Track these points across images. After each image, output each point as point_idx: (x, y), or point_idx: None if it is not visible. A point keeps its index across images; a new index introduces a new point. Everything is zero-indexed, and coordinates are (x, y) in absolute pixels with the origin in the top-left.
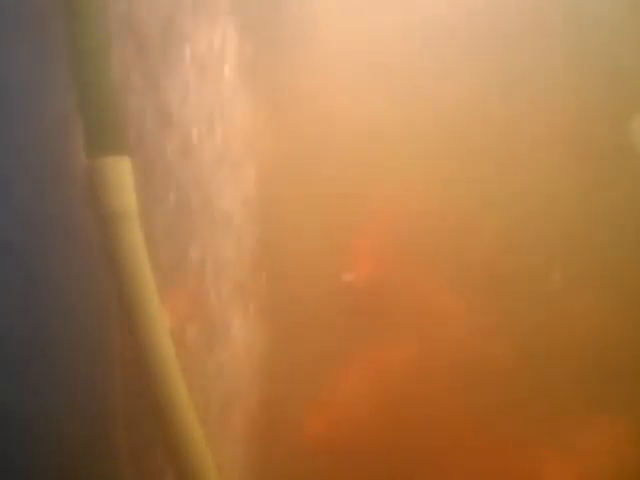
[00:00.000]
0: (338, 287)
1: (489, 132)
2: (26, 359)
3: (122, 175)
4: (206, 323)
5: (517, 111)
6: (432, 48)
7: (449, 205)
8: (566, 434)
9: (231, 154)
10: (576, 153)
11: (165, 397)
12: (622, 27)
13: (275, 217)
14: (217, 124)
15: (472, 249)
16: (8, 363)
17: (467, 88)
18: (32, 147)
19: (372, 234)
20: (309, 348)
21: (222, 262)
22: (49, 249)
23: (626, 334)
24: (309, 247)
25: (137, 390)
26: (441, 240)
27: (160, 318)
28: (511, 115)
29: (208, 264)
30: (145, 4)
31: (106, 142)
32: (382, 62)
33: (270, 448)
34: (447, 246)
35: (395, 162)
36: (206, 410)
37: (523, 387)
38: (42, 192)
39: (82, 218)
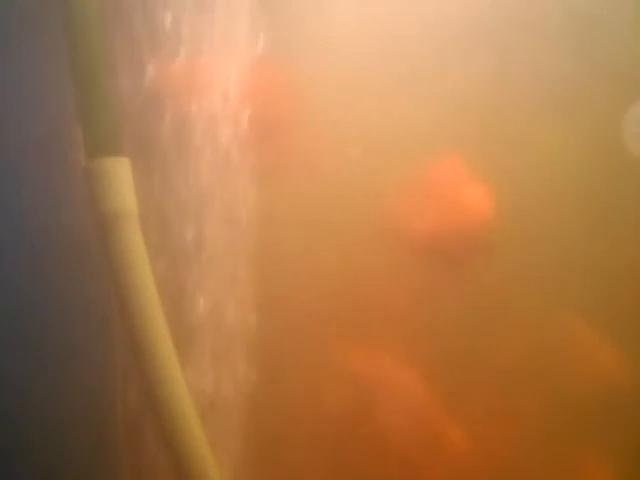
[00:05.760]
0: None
1: (491, 132)
2: (24, 362)
3: (122, 176)
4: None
5: (518, 111)
6: (440, 48)
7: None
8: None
9: (233, 154)
10: (579, 152)
11: (166, 400)
12: (624, 25)
13: (275, 218)
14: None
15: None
16: (7, 366)
17: (469, 90)
18: (31, 148)
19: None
20: (304, 348)
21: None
22: (48, 250)
23: None
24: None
25: (137, 391)
26: (443, 241)
27: (161, 319)
28: (511, 114)
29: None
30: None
31: (105, 143)
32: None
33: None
34: (447, 248)
35: (407, 164)
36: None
37: None
38: (41, 192)
39: (81, 219)
